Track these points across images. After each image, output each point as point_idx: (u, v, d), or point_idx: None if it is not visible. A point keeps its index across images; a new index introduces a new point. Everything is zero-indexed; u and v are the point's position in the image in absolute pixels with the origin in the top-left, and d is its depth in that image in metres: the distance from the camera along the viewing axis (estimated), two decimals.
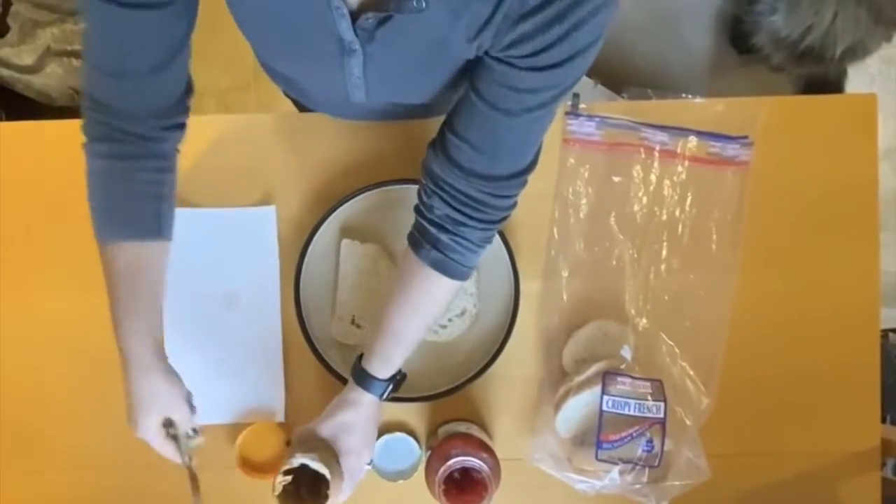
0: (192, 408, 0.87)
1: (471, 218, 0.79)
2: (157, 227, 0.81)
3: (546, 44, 0.65)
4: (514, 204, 0.81)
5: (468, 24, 0.66)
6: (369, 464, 0.91)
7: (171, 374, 0.85)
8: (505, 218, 0.82)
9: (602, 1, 0.63)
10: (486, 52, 0.70)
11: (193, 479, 0.88)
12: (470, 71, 0.74)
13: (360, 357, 0.89)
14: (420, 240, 0.83)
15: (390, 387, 0.88)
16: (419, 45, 0.71)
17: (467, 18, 0.65)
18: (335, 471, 0.83)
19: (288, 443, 0.99)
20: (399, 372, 0.89)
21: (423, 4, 0.62)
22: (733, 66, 1.84)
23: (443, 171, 0.78)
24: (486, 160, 0.76)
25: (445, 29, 0.67)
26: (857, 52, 1.51)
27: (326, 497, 0.82)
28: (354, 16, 0.68)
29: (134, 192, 0.79)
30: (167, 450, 0.86)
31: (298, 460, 0.81)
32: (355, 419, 0.87)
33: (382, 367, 0.87)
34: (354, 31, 0.69)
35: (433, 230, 0.81)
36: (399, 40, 0.70)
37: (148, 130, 0.77)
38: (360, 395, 0.87)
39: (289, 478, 0.83)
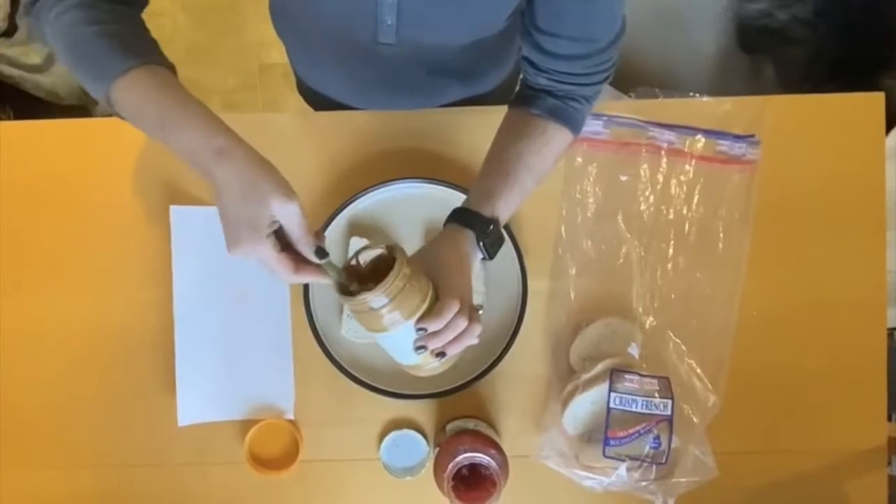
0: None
1: (581, 85, 0.81)
2: (159, 53, 0.72)
3: None
4: (616, 62, 0.83)
5: None
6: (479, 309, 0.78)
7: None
8: (609, 76, 0.83)
9: None
10: None
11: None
12: None
13: (454, 209, 0.81)
14: (530, 96, 0.83)
15: (490, 231, 0.77)
16: None
17: None
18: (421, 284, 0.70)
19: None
20: (497, 224, 0.79)
21: None
22: (741, 66, 1.84)
23: (544, 62, 0.80)
24: (584, 44, 0.79)
25: None
26: None
27: (385, 275, 0.67)
28: None
29: (135, 26, 0.73)
30: (278, 263, 0.67)
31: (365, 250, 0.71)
32: (449, 254, 0.76)
33: (484, 206, 0.78)
34: None
35: (545, 92, 0.82)
36: None
37: None
38: (457, 230, 0.78)
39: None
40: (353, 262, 0.72)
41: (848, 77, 1.67)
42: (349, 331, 1.00)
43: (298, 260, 0.68)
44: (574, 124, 0.84)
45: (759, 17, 1.77)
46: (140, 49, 0.70)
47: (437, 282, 0.73)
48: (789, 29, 1.72)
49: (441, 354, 0.72)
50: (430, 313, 0.70)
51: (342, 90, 1.06)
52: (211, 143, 0.65)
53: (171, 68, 0.71)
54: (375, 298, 0.67)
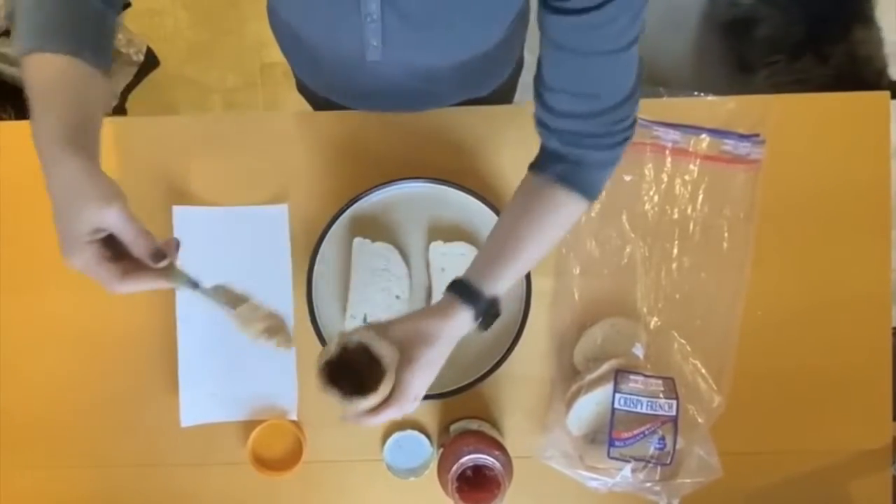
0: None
1: (594, 148, 0.78)
2: (96, 50, 0.71)
3: None
4: (634, 122, 0.79)
5: None
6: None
7: (93, 168, 0.66)
8: (628, 138, 0.79)
9: None
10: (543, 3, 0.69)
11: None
12: (539, 23, 0.73)
13: (457, 279, 0.80)
14: (544, 162, 0.81)
15: (488, 311, 0.78)
16: None
17: None
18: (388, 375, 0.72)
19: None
20: (498, 302, 0.79)
21: None
22: (727, 60, 1.84)
23: (552, 121, 0.77)
24: (588, 101, 0.75)
25: None
26: None
27: (375, 389, 0.70)
28: None
29: (79, 9, 0.71)
30: (100, 271, 0.66)
31: (357, 338, 0.71)
32: (439, 331, 0.75)
33: (488, 282, 0.77)
34: None
35: (557, 156, 0.79)
36: None
37: None
38: (455, 307, 0.77)
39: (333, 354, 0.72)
40: (348, 344, 0.72)
41: (821, 42, 1.68)
42: None
43: (138, 267, 0.67)
44: (588, 190, 0.80)
45: (729, 10, 1.79)
46: (78, 34, 0.70)
47: (408, 349, 0.74)
48: (754, 11, 1.74)
49: None
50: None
51: (339, 94, 1.05)
52: (52, 147, 0.66)
53: (104, 66, 0.71)
54: (366, 402, 0.70)
